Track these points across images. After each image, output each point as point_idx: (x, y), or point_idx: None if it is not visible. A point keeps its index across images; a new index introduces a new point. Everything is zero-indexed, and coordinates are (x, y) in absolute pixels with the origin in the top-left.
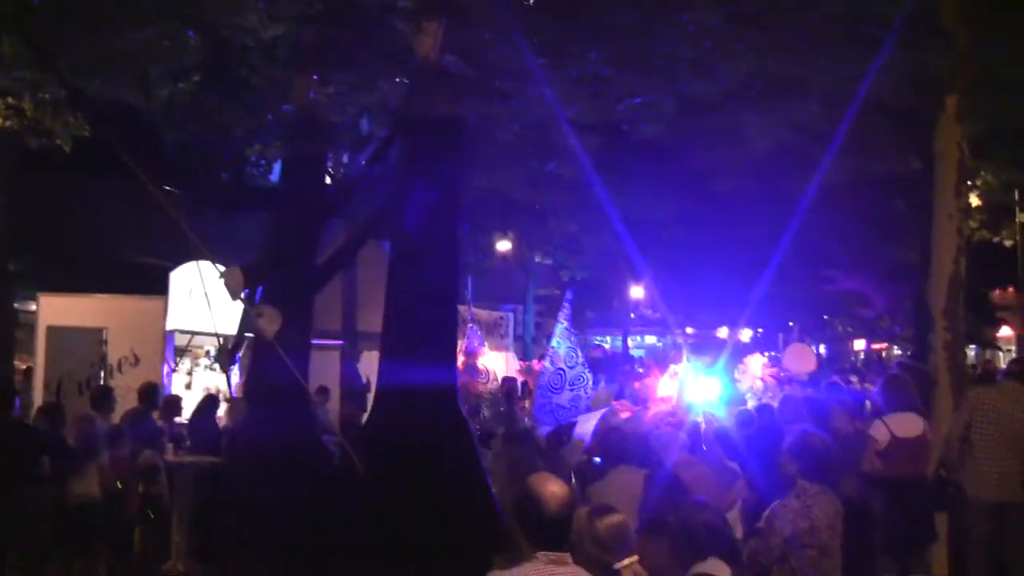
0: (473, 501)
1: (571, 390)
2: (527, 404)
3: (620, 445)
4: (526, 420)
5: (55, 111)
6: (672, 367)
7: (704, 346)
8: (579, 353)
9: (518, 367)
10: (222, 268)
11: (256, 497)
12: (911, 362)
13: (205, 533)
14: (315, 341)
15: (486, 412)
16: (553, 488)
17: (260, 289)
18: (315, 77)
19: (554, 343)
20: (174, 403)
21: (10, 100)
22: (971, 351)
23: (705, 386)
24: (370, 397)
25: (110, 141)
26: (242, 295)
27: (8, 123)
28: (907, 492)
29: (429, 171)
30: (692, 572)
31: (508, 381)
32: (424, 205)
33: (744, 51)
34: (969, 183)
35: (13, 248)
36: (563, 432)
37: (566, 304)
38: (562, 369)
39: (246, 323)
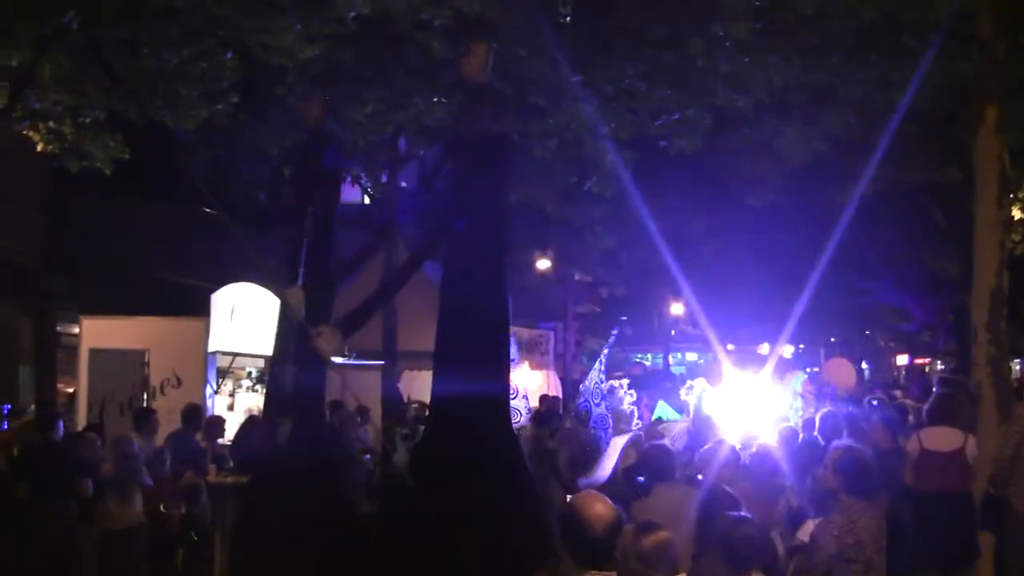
0: (522, 518)
1: (592, 427)
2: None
3: (664, 461)
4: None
5: (95, 134)
6: (689, 382)
7: (745, 362)
8: (604, 390)
9: (558, 385)
10: (284, 289)
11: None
12: (951, 376)
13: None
14: (356, 361)
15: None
16: (600, 509)
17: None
18: (327, 98)
19: (592, 374)
20: (217, 424)
21: (51, 124)
22: (1015, 365)
23: (748, 403)
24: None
25: (183, 169)
26: (302, 315)
27: (50, 147)
28: (938, 506)
29: (480, 192)
30: None
31: (545, 401)
32: (475, 224)
33: (779, 63)
34: (1011, 196)
35: (53, 269)
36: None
37: (613, 335)
38: (587, 403)
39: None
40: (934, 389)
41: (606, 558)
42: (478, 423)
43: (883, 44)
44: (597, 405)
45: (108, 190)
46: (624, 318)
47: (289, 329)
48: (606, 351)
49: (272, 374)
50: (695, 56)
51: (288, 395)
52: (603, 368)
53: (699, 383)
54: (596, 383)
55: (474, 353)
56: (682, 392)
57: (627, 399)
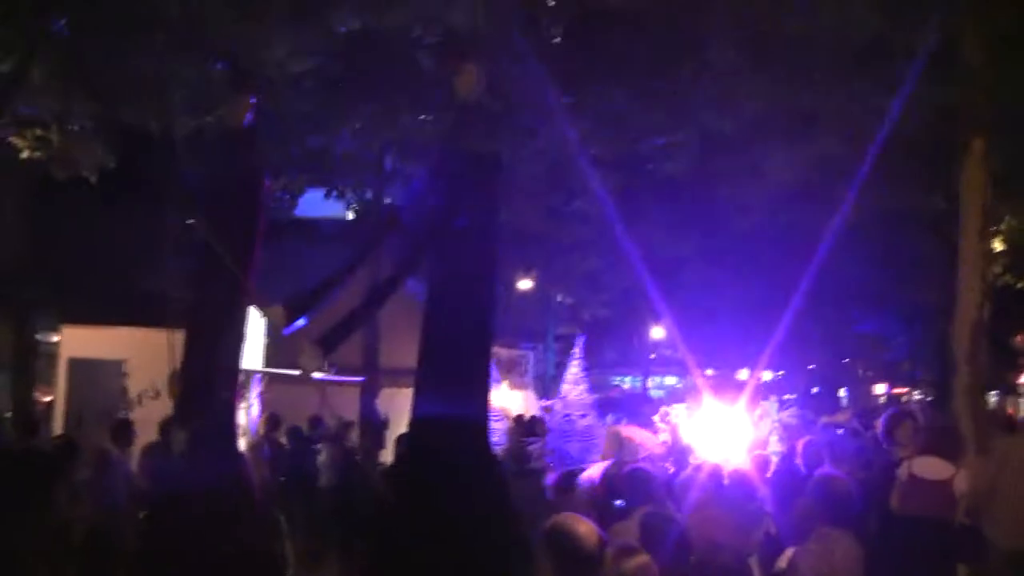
0: (501, 540)
1: (580, 442)
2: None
3: (646, 486)
4: (534, 461)
5: (82, 142)
6: (663, 409)
7: (724, 387)
8: (587, 402)
9: (539, 405)
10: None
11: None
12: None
13: None
14: (336, 377)
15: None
16: (586, 528)
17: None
18: (252, 100)
19: (564, 388)
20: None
21: (38, 131)
22: (993, 396)
23: (725, 428)
24: (388, 434)
25: (171, 178)
26: (283, 332)
27: (36, 153)
28: (926, 534)
29: (466, 208)
30: None
31: (520, 419)
32: (463, 243)
33: (767, 87)
34: (993, 228)
35: (33, 276)
36: (571, 477)
37: (576, 347)
38: (570, 417)
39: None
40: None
41: None
42: (458, 444)
43: (870, 68)
44: (583, 417)
45: (93, 199)
46: (580, 334)
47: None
48: (576, 362)
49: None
50: (683, 81)
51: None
52: (585, 384)
53: (678, 409)
54: (579, 394)
55: (457, 374)
56: (656, 419)
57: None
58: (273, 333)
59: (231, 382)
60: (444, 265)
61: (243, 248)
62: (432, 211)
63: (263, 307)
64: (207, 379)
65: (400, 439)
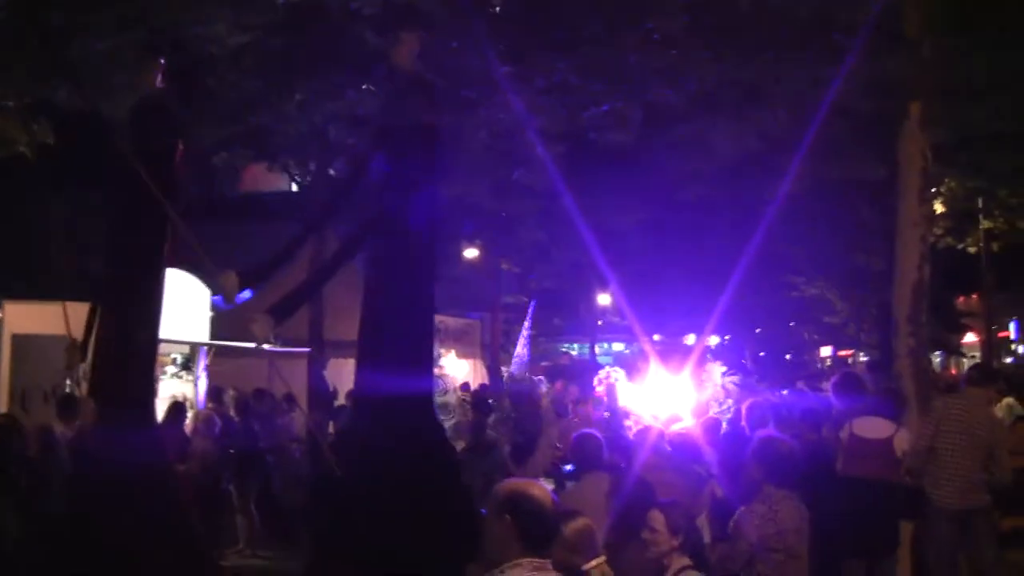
0: (451, 509)
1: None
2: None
3: (596, 452)
4: (489, 431)
5: (21, 120)
6: (601, 372)
7: (671, 353)
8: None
9: (485, 374)
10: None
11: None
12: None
13: None
14: (282, 349)
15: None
16: (540, 492)
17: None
18: (162, 61)
19: (519, 350)
20: (179, 409)
21: None
22: (937, 357)
23: (670, 393)
24: (336, 404)
25: (124, 154)
26: (235, 301)
27: None
28: (869, 494)
29: (406, 181)
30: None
31: (482, 389)
32: (401, 214)
33: (710, 59)
34: (934, 190)
35: None
36: (528, 446)
37: (530, 313)
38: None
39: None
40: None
41: (550, 542)
42: (400, 413)
43: (815, 42)
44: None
45: (38, 177)
46: (533, 303)
47: None
48: (527, 324)
49: None
50: (628, 52)
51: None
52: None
53: (615, 372)
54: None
55: (399, 345)
56: (594, 381)
57: (545, 399)
58: (225, 300)
59: (146, 354)
60: (384, 237)
61: (157, 219)
62: (374, 184)
63: (215, 274)
64: (120, 351)
65: (340, 411)
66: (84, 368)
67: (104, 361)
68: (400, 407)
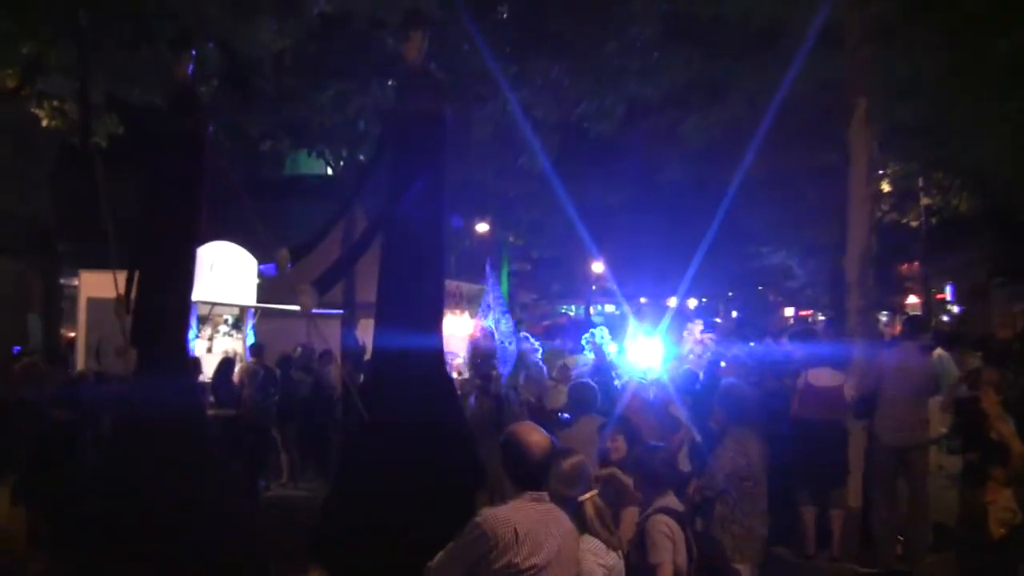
0: (460, 446)
1: (504, 362)
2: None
3: (591, 398)
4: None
5: (95, 114)
6: (589, 333)
7: (654, 314)
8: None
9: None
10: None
11: None
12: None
13: None
14: (319, 311)
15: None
16: (536, 436)
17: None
18: (193, 53)
19: (492, 319)
20: (195, 364)
21: (55, 103)
22: (884, 316)
23: (648, 347)
24: (365, 359)
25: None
26: (286, 271)
27: (54, 123)
28: (821, 433)
29: (418, 161)
30: (654, 505)
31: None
32: (415, 190)
33: (682, 62)
34: (880, 172)
35: (59, 232)
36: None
37: (489, 274)
38: (503, 344)
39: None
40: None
41: (542, 480)
42: (415, 364)
43: (770, 46)
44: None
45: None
46: (488, 264)
47: None
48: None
49: None
50: (611, 55)
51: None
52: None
53: (599, 331)
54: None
55: (412, 303)
56: (583, 341)
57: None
58: (279, 270)
59: (181, 316)
60: (399, 211)
61: (187, 194)
62: (391, 167)
63: (270, 251)
64: (151, 311)
65: (369, 363)
66: (127, 322)
67: (139, 319)
68: (413, 360)
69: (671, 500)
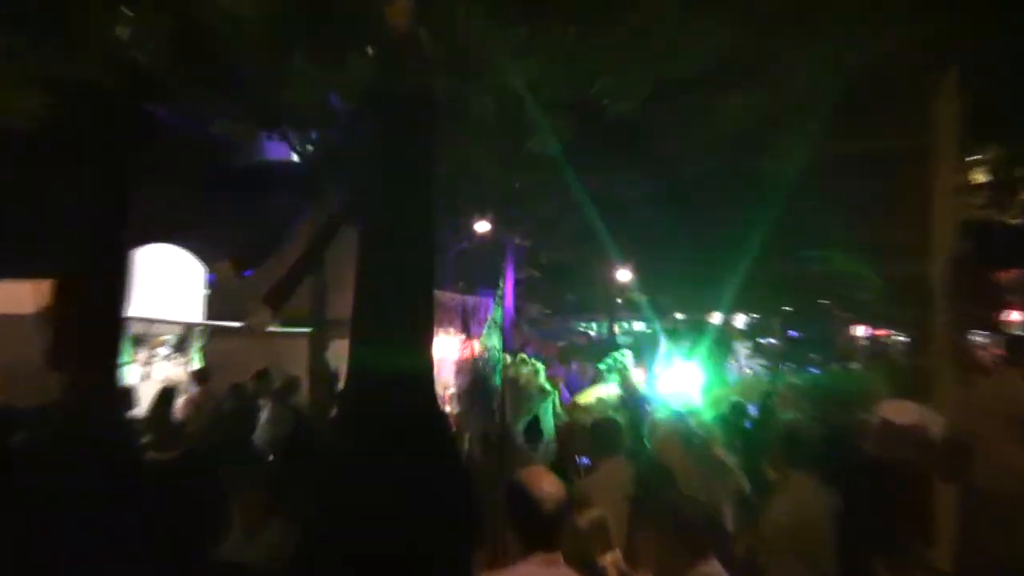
0: (448, 488)
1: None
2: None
3: (614, 437)
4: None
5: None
6: (614, 355)
7: (693, 333)
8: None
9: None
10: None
11: None
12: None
13: None
14: (283, 329)
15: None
16: (548, 486)
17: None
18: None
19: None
20: (127, 394)
21: None
22: (981, 337)
23: (686, 374)
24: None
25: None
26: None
27: None
28: (896, 477)
29: (400, 149)
30: (697, 572)
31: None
32: (396, 183)
33: (721, 28)
34: (975, 158)
35: None
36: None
37: (501, 286)
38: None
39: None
40: None
41: (556, 538)
42: (398, 393)
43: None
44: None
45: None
46: (538, 275)
47: None
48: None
49: None
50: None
51: None
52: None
53: (622, 354)
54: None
55: (397, 319)
56: (602, 366)
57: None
58: (221, 286)
59: (110, 332)
60: (377, 209)
61: (116, 196)
62: (366, 152)
63: (210, 263)
64: (81, 327)
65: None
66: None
67: (61, 339)
68: (397, 387)
69: (714, 568)
